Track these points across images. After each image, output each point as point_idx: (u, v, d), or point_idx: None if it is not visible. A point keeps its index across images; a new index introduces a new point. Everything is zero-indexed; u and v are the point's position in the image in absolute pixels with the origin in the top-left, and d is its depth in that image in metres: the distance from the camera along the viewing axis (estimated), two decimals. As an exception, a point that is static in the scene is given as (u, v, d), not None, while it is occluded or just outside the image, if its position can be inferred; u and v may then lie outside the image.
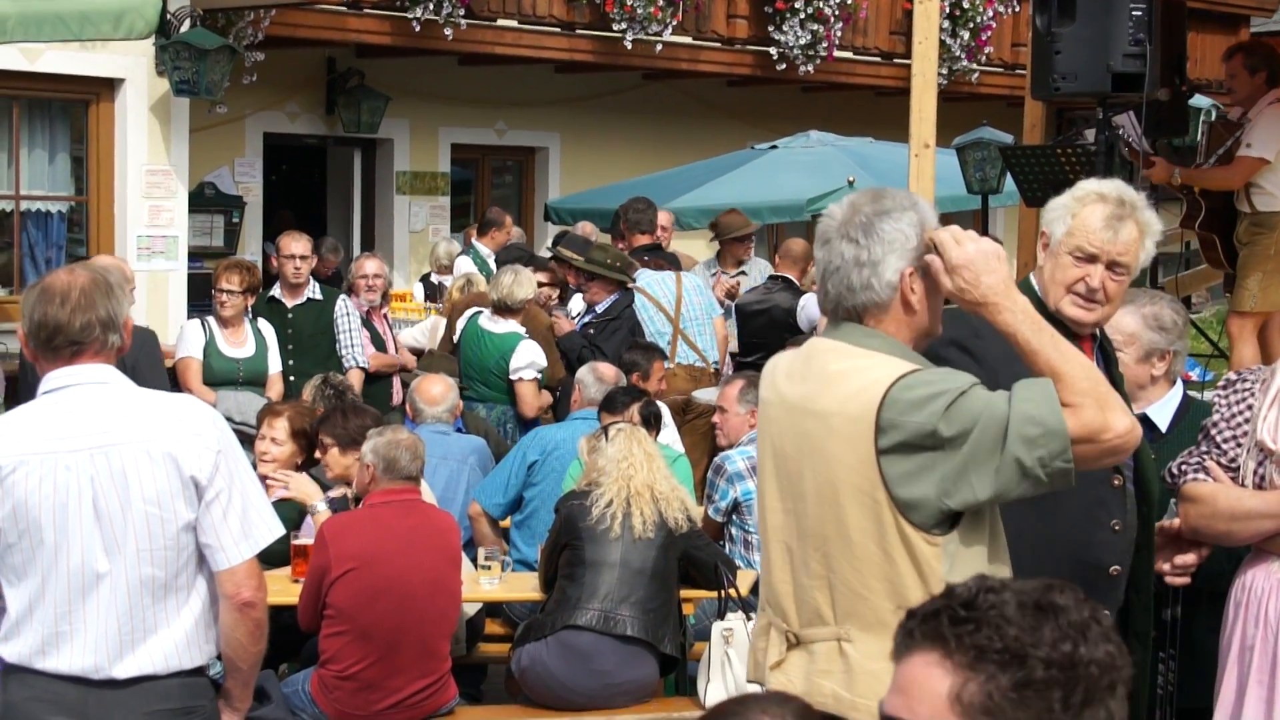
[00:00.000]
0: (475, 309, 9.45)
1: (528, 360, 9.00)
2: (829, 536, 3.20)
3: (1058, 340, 3.16)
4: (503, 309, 9.12)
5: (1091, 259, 3.63)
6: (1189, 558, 3.96)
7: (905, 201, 3.27)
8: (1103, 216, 3.65)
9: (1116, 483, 3.63)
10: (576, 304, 10.02)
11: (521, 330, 9.13)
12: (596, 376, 7.73)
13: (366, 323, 9.58)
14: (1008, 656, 1.82)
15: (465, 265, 12.19)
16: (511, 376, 9.04)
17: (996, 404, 3.06)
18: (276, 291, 9.42)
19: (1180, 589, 4.00)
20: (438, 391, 7.64)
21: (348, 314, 9.30)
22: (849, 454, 3.13)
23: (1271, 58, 8.28)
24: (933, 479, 3.08)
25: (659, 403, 8.23)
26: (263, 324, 8.93)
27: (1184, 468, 3.98)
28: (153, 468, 3.62)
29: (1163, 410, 4.40)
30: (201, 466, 3.66)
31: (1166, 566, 3.94)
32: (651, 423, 6.65)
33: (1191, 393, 4.56)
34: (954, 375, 3.16)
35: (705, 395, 9.32)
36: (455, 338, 9.55)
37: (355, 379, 8.99)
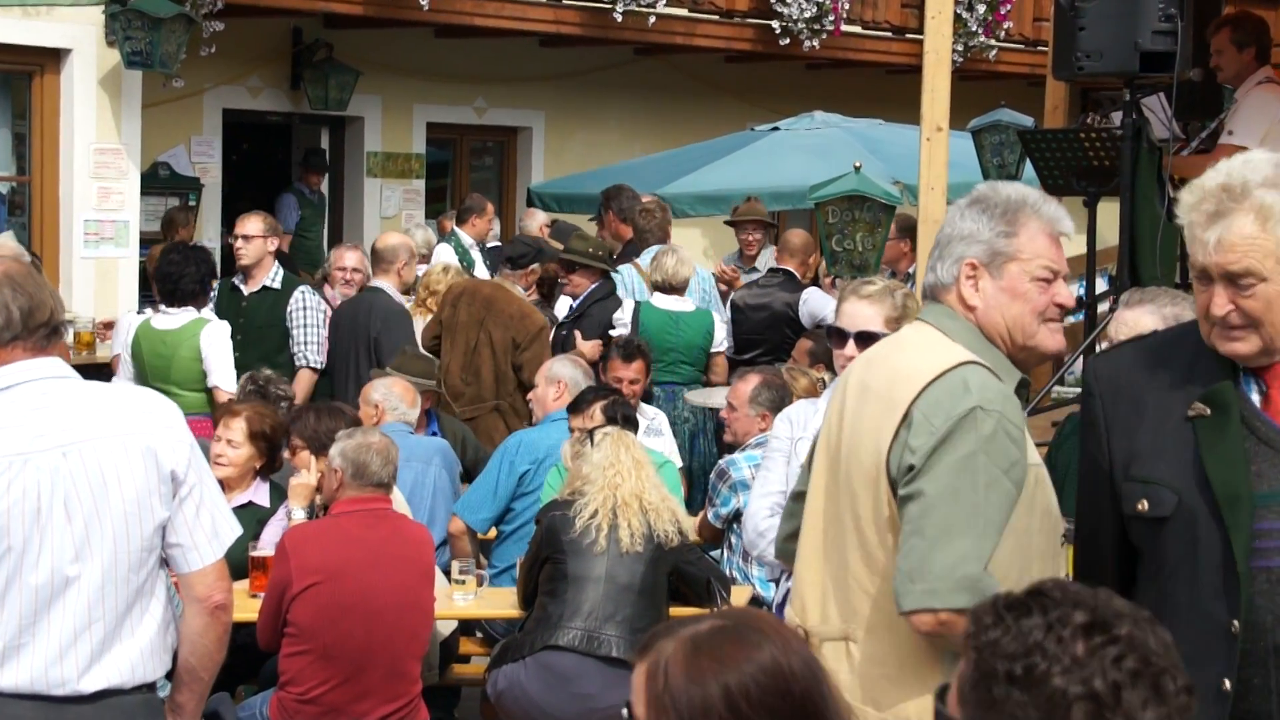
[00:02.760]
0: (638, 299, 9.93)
1: (725, 332, 9.96)
2: (847, 528, 3.29)
3: None
4: (668, 290, 9.74)
5: (1203, 277, 3.05)
6: None
7: (1015, 199, 3.30)
8: (1200, 218, 3.05)
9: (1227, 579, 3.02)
10: (564, 307, 10.02)
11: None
12: (584, 373, 7.73)
13: (340, 317, 9.54)
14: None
15: (446, 254, 12.18)
16: (715, 349, 9.79)
17: (972, 505, 3.10)
18: (239, 278, 9.38)
19: None
20: (400, 390, 7.65)
21: (306, 308, 9.07)
22: (878, 439, 3.22)
23: (1260, 32, 8.25)
24: None
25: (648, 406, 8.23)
26: (208, 314, 8.88)
27: None
28: (130, 463, 3.65)
29: None
30: (178, 460, 3.71)
31: None
32: (619, 423, 6.60)
33: None
34: (1002, 401, 3.17)
35: (697, 398, 9.32)
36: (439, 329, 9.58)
37: (304, 380, 8.86)
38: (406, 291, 9.32)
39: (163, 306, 8.33)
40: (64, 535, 3.60)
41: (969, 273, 3.26)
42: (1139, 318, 4.43)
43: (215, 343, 8.19)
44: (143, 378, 8.25)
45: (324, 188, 15.15)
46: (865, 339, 4.76)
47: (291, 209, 14.52)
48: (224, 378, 8.21)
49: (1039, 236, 3.26)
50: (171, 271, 8.23)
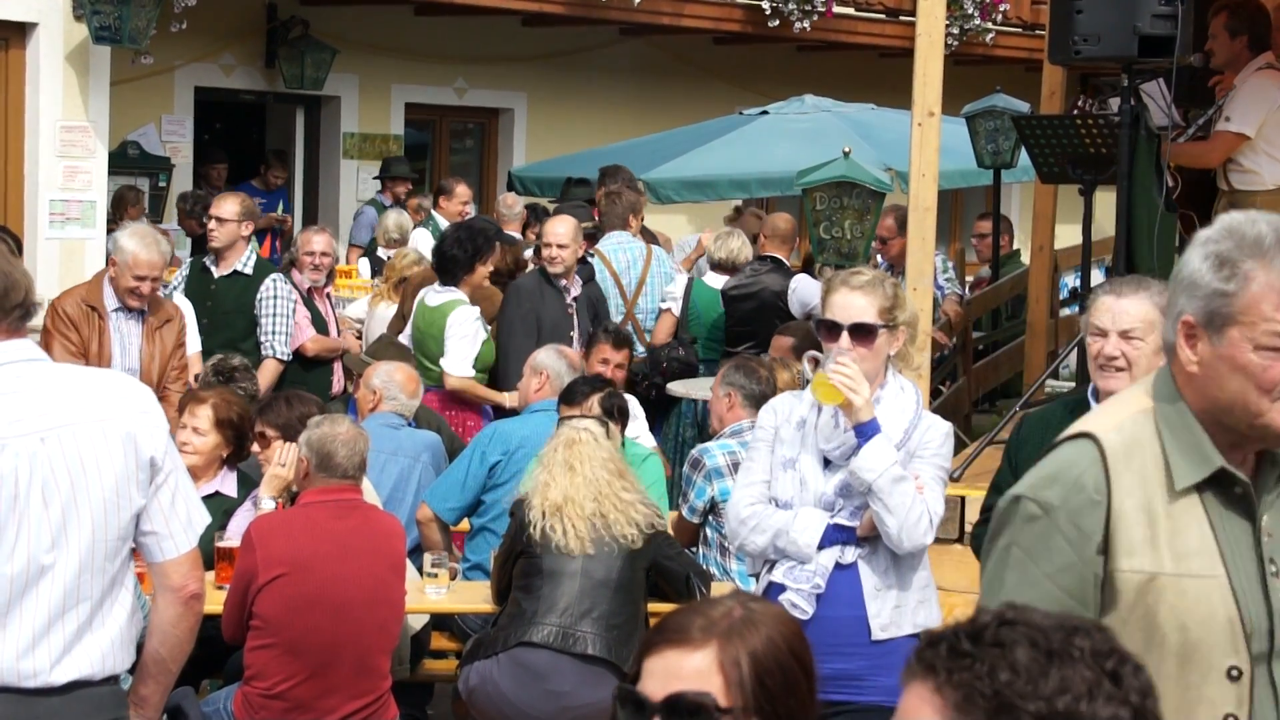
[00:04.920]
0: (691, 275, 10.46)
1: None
2: None
3: None
4: (731, 269, 10.28)
5: None
6: None
7: (1249, 240, 2.72)
8: None
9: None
10: None
11: None
12: (569, 364, 7.73)
13: (308, 302, 9.50)
14: (996, 705, 1.82)
15: (422, 239, 12.14)
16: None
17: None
18: (210, 259, 9.35)
19: None
20: (402, 377, 7.64)
21: (276, 296, 9.03)
22: None
23: (1256, 19, 8.26)
24: None
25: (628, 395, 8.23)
26: (179, 299, 8.85)
27: None
28: (110, 449, 3.65)
29: None
30: (157, 447, 3.72)
31: None
32: (615, 415, 6.62)
33: None
34: (1068, 493, 2.78)
35: (679, 388, 9.32)
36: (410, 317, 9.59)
37: (269, 371, 8.81)
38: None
39: (436, 285, 9.00)
40: (41, 522, 3.61)
41: (1186, 332, 2.74)
42: (1139, 306, 4.43)
43: (455, 325, 8.74)
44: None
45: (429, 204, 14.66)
46: (859, 331, 4.74)
47: (369, 222, 13.97)
48: (453, 361, 8.74)
49: (1269, 294, 2.67)
50: (444, 251, 9.02)
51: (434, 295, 8.99)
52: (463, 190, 13.00)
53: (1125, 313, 4.44)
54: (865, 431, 4.67)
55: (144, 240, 7.94)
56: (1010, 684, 1.82)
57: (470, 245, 8.95)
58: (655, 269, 10.15)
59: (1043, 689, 1.81)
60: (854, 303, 4.76)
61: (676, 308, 10.11)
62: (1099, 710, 1.81)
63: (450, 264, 8.94)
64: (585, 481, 5.95)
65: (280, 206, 14.36)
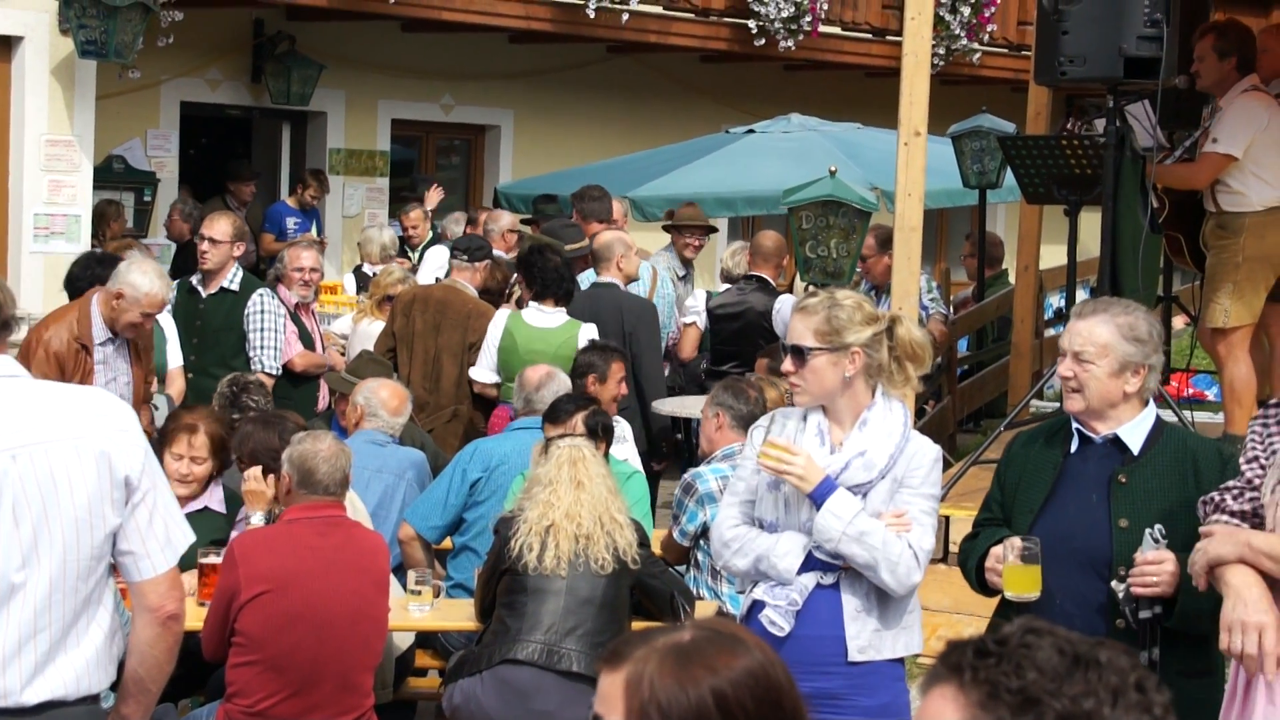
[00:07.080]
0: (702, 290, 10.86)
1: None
2: None
3: None
4: (732, 280, 10.83)
5: None
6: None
7: None
8: None
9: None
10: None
11: None
12: (527, 380, 7.77)
13: (295, 318, 9.48)
14: (1021, 700, 1.82)
15: (437, 256, 12.09)
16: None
17: None
18: (196, 278, 9.32)
19: (1160, 631, 4.20)
20: (386, 394, 7.62)
21: (263, 311, 9.00)
22: None
23: (1244, 41, 8.29)
24: None
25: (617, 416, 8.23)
26: (164, 317, 8.82)
27: (1210, 503, 4.18)
28: (83, 468, 3.62)
29: (1135, 431, 4.49)
30: (132, 465, 3.68)
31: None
32: (599, 434, 6.61)
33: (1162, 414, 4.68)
34: None
35: (665, 406, 9.31)
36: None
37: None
38: (629, 282, 9.59)
39: (535, 304, 8.93)
40: (11, 541, 3.57)
41: None
42: (1093, 328, 4.43)
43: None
44: (503, 367, 8.89)
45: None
46: (794, 353, 4.73)
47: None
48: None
49: None
50: (546, 272, 8.96)
51: (537, 315, 8.96)
52: (483, 217, 12.86)
53: (1078, 334, 4.45)
54: (816, 499, 4.64)
55: (157, 277, 7.80)
56: (1036, 682, 1.82)
57: (570, 269, 9.14)
58: (660, 290, 10.15)
59: (1068, 689, 1.81)
60: (795, 326, 4.77)
61: (702, 321, 10.13)
62: (1122, 716, 1.82)
63: (556, 282, 8.99)
64: (591, 499, 5.94)
65: (314, 227, 14.24)
